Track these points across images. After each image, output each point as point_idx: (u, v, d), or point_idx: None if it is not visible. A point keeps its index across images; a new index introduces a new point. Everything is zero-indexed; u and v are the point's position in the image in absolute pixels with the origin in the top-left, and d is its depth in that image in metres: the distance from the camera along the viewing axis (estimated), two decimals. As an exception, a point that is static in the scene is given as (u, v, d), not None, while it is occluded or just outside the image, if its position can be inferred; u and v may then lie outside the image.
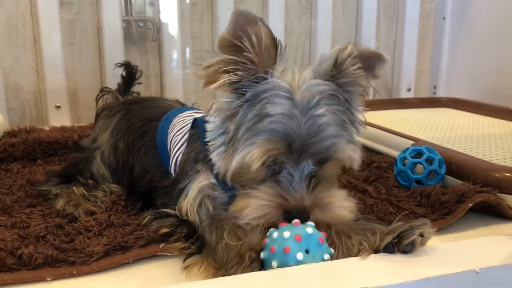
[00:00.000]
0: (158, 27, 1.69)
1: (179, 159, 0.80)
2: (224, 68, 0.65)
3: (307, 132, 0.61)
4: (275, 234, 0.59)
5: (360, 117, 0.71)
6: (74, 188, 0.88)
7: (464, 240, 0.65)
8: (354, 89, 0.68)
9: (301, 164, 0.63)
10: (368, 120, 1.30)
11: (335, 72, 0.66)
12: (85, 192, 0.88)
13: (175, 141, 0.82)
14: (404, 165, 0.93)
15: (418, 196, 0.86)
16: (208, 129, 0.69)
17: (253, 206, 0.62)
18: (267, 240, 0.59)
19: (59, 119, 1.56)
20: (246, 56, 0.63)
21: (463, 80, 1.99)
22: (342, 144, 0.63)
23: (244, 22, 0.62)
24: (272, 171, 0.64)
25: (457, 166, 0.92)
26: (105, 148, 0.95)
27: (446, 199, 0.82)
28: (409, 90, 2.01)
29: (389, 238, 0.60)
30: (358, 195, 0.87)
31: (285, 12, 1.80)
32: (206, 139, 0.69)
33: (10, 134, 1.28)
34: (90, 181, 0.91)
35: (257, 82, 0.64)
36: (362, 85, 0.68)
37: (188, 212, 0.70)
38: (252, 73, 0.64)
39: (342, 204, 0.64)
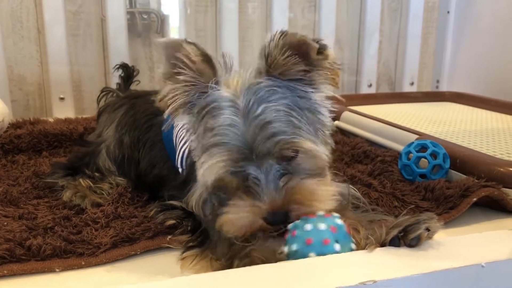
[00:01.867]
0: (162, 19, 1.68)
1: (185, 153, 0.80)
2: (175, 94, 0.65)
3: (251, 136, 0.60)
4: (308, 226, 0.58)
5: (320, 97, 0.67)
6: (81, 180, 0.89)
7: (468, 234, 0.66)
8: (293, 76, 0.64)
9: (263, 166, 0.61)
10: (371, 114, 1.32)
11: (268, 67, 0.64)
12: (91, 184, 0.88)
13: (181, 135, 0.82)
14: (408, 159, 0.94)
15: (423, 190, 0.86)
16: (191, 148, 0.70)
17: (230, 221, 0.61)
18: (297, 232, 0.59)
19: (63, 111, 1.56)
20: (185, 77, 0.64)
21: (466, 74, 1.99)
22: (289, 139, 0.61)
23: (173, 50, 0.63)
24: (241, 177, 0.63)
25: (461, 160, 0.92)
26: (110, 142, 0.95)
27: (450, 193, 0.82)
28: (412, 84, 2.00)
29: (395, 232, 0.60)
30: (362, 188, 0.87)
31: (289, 4, 1.79)
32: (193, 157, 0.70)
33: (15, 125, 1.29)
34: (96, 174, 0.92)
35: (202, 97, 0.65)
36: (298, 71, 0.64)
37: (194, 207, 0.71)
38: (196, 90, 0.65)
39: (317, 191, 0.63)
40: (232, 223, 0.61)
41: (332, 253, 0.57)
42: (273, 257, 0.60)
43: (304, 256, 0.58)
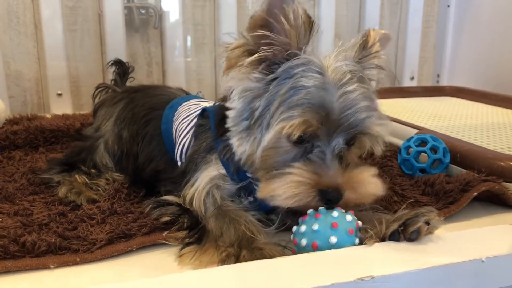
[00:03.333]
0: (159, 15, 1.67)
1: (185, 146, 0.79)
2: (251, 48, 0.64)
3: (342, 106, 0.61)
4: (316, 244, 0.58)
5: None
6: (77, 176, 0.88)
7: (469, 229, 0.65)
8: (375, 73, 0.69)
9: (332, 142, 0.62)
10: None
11: (362, 56, 0.67)
12: (87, 181, 0.88)
13: (181, 128, 0.81)
14: (408, 153, 0.93)
15: (422, 185, 0.85)
16: (229, 115, 0.67)
17: (286, 185, 0.60)
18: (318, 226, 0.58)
19: (61, 107, 1.55)
20: (284, 30, 0.62)
21: (466, 68, 1.97)
22: (375, 118, 0.63)
23: (280, 2, 0.61)
24: (304, 150, 0.63)
25: (461, 155, 0.91)
26: (109, 137, 0.94)
27: (450, 188, 0.81)
28: (412, 78, 1.99)
29: (394, 226, 0.59)
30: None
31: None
32: (228, 125, 0.67)
33: (11, 121, 1.28)
34: (92, 170, 0.91)
35: (287, 59, 0.63)
36: (384, 69, 0.70)
37: (194, 200, 0.70)
38: (286, 49, 0.63)
39: (371, 182, 0.63)
40: (288, 187, 0.60)
41: None
42: (281, 254, 0.60)
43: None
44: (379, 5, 1.91)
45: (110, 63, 1.20)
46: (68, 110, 1.54)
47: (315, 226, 0.58)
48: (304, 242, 0.59)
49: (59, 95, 1.57)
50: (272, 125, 0.61)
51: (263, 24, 0.63)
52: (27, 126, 1.18)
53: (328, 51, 0.67)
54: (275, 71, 0.63)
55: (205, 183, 0.71)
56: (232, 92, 0.67)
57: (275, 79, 0.63)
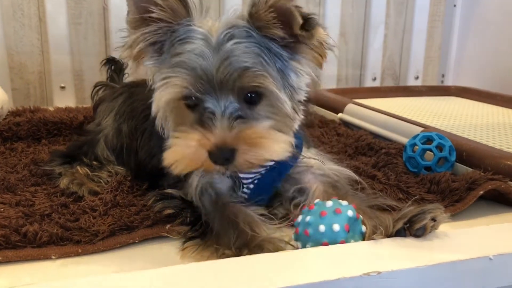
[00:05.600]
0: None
1: None
2: (145, 36, 0.65)
3: (218, 65, 0.61)
4: (322, 227, 0.57)
5: (295, 64, 0.67)
6: (78, 167, 0.87)
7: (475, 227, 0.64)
8: (270, 34, 0.64)
9: (221, 101, 0.62)
10: (376, 107, 1.30)
11: (250, 18, 0.64)
12: (89, 172, 0.87)
13: None
14: (413, 151, 0.92)
15: (428, 183, 0.84)
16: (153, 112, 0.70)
17: (176, 151, 0.62)
18: (310, 231, 0.58)
19: (64, 100, 1.55)
20: (158, 16, 0.64)
21: (472, 69, 1.96)
22: (250, 73, 0.62)
23: None
24: (198, 113, 0.63)
25: (467, 153, 0.91)
26: (109, 131, 0.94)
27: (456, 186, 0.80)
28: (417, 78, 1.99)
29: (400, 224, 0.59)
30: (366, 180, 0.85)
31: None
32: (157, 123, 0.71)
33: (14, 113, 1.27)
34: (94, 163, 0.90)
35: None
36: (275, 33, 0.64)
37: (193, 199, 0.70)
38: (168, 29, 0.65)
39: (271, 142, 0.62)
40: (177, 152, 0.62)
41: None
42: (284, 249, 0.59)
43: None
44: (384, 4, 1.90)
45: (103, 62, 1.20)
46: (71, 104, 1.53)
47: (308, 246, 0.58)
48: (299, 245, 0.59)
49: (62, 88, 1.57)
50: (156, 91, 0.65)
51: (140, 21, 0.65)
52: (30, 118, 1.17)
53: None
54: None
55: (196, 181, 0.71)
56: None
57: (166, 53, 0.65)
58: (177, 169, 0.62)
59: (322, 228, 0.57)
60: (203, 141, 0.60)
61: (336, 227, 0.57)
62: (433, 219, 0.58)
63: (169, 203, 0.71)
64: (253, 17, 0.63)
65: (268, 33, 0.63)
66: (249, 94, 0.63)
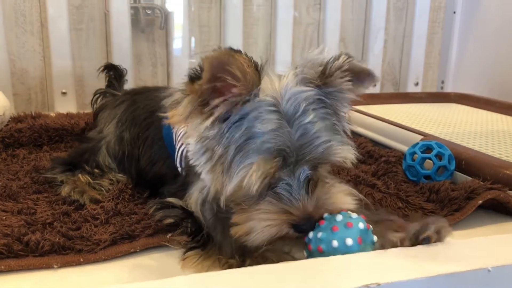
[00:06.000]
0: (166, 15, 1.67)
1: (184, 153, 0.78)
2: (213, 118, 0.61)
3: (300, 143, 0.59)
4: (335, 243, 0.57)
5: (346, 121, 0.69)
6: (80, 175, 0.88)
7: (473, 237, 0.64)
8: (339, 97, 0.65)
9: (296, 172, 0.61)
10: (375, 113, 1.31)
11: (321, 82, 0.63)
12: (90, 180, 0.87)
13: (180, 133, 0.81)
14: (413, 160, 0.93)
15: (427, 192, 0.85)
16: (190, 151, 0.66)
17: (258, 229, 0.59)
18: (323, 247, 0.58)
19: (65, 106, 1.55)
20: (232, 86, 0.59)
21: (471, 75, 1.97)
22: (336, 147, 0.62)
23: (221, 65, 0.58)
24: (269, 184, 0.61)
25: (466, 162, 0.91)
26: (111, 138, 0.94)
27: (455, 195, 0.81)
28: (416, 84, 1.99)
29: (407, 243, 0.60)
30: (366, 189, 0.86)
31: (294, 2, 1.78)
32: (191, 161, 0.66)
33: (16, 119, 1.28)
34: (96, 170, 0.90)
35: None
36: (348, 97, 0.66)
37: (193, 209, 0.70)
38: (236, 101, 0.60)
39: (345, 202, 0.62)
40: (260, 232, 0.59)
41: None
42: (286, 260, 0.59)
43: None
44: (385, 10, 1.91)
45: (101, 69, 1.19)
46: (72, 109, 1.54)
47: (319, 234, 0.58)
48: (311, 247, 0.59)
49: (64, 93, 1.57)
50: (232, 176, 0.60)
51: (211, 91, 0.60)
52: (31, 124, 1.18)
53: (285, 70, 0.65)
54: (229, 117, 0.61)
55: (198, 193, 0.71)
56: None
57: (232, 123, 0.61)
58: (250, 240, 0.60)
59: (335, 243, 0.57)
60: (287, 217, 0.59)
61: (349, 241, 0.57)
62: (437, 232, 0.59)
63: (169, 212, 0.71)
64: (327, 83, 0.63)
65: (338, 94, 0.64)
66: None
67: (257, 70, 0.59)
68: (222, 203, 0.64)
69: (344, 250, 0.57)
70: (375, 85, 1.92)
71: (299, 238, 0.61)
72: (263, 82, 0.61)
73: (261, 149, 0.59)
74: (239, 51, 0.58)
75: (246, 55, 0.58)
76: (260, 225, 0.59)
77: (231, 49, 0.58)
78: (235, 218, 0.62)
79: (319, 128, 0.60)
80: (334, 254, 0.57)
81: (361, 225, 0.59)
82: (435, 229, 0.59)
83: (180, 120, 0.62)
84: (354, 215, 0.60)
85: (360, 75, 0.65)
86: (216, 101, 0.60)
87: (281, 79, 0.63)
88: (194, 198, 0.70)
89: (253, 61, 0.59)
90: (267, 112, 0.60)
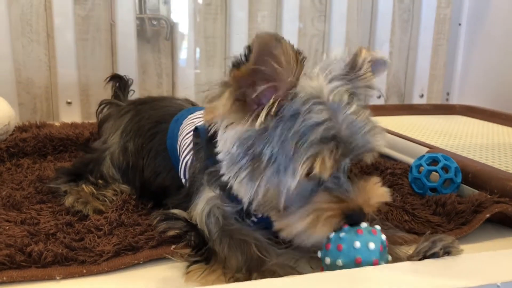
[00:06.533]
0: (171, 26, 1.68)
1: (188, 164, 0.78)
2: (267, 109, 0.59)
3: (347, 133, 0.60)
4: (357, 244, 0.57)
5: None
6: (84, 186, 0.88)
7: (481, 251, 0.63)
8: (365, 92, 0.68)
9: (342, 164, 0.61)
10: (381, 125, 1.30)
11: (352, 76, 0.65)
12: (94, 191, 0.87)
13: (184, 144, 0.80)
14: (419, 172, 0.92)
15: (434, 205, 0.84)
16: (221, 159, 0.64)
17: (312, 217, 0.59)
18: (344, 247, 0.57)
19: (70, 115, 1.56)
20: (275, 72, 0.58)
21: (477, 87, 1.96)
22: (378, 137, 0.63)
23: (268, 48, 0.56)
24: (312, 183, 0.61)
25: (473, 175, 0.90)
26: (115, 149, 0.93)
27: (462, 209, 0.80)
28: (421, 96, 1.99)
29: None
30: (372, 201, 0.85)
31: (299, 14, 1.79)
32: (221, 173, 0.64)
33: (21, 129, 1.28)
34: (100, 181, 0.90)
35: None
36: (374, 89, 0.68)
37: (198, 222, 0.69)
38: (285, 93, 0.59)
39: (382, 193, 0.65)
40: (319, 225, 0.59)
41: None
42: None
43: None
44: (390, 22, 1.91)
45: (107, 79, 1.19)
46: (77, 119, 1.54)
47: (340, 262, 0.57)
48: (328, 260, 0.59)
49: (69, 103, 1.58)
50: (297, 169, 0.58)
51: (250, 73, 0.57)
52: (36, 134, 1.18)
53: (309, 68, 0.64)
54: (277, 113, 0.59)
55: (203, 205, 0.70)
56: (215, 129, 0.64)
57: (281, 120, 0.59)
58: (313, 237, 0.60)
59: (357, 244, 0.57)
60: (342, 207, 0.59)
61: (372, 245, 0.57)
62: (445, 249, 0.58)
63: (173, 224, 0.71)
64: (356, 77, 0.65)
65: (365, 89, 0.67)
66: None
67: (298, 58, 0.58)
68: (256, 210, 0.63)
69: (366, 252, 0.57)
70: (379, 97, 1.92)
71: None
72: (307, 81, 0.62)
73: (324, 137, 0.58)
74: (283, 38, 0.57)
75: (289, 42, 0.57)
76: (313, 215, 0.59)
77: (276, 34, 0.56)
78: (280, 224, 0.62)
79: (363, 119, 0.62)
80: (354, 255, 0.57)
81: (384, 237, 0.60)
82: (443, 246, 0.58)
83: (220, 114, 0.60)
84: (378, 227, 0.61)
85: (376, 64, 0.68)
86: (263, 87, 0.58)
87: (313, 78, 0.63)
88: (198, 210, 0.70)
89: (296, 49, 0.58)
90: (317, 103, 0.59)
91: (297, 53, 0.58)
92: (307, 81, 0.62)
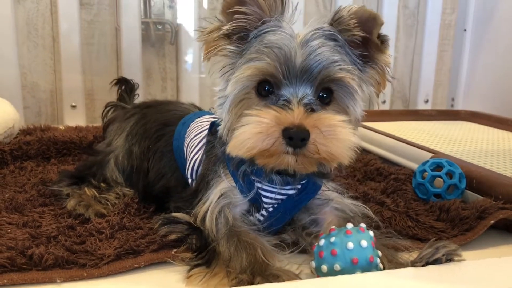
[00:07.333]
0: (176, 30, 1.68)
1: (196, 164, 0.78)
2: (227, 28, 0.66)
3: (306, 55, 0.62)
4: (350, 244, 0.57)
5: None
6: (86, 189, 0.87)
7: (485, 258, 0.63)
8: (348, 37, 0.66)
9: (299, 91, 0.62)
10: (384, 130, 1.30)
11: (333, 22, 0.66)
12: (96, 194, 0.87)
13: (192, 145, 0.81)
14: (423, 178, 0.91)
15: (437, 211, 0.84)
16: (216, 97, 0.69)
17: (248, 128, 0.60)
18: (338, 250, 0.58)
19: (74, 119, 1.56)
20: (256, 3, 0.65)
21: (482, 93, 1.95)
22: (337, 67, 0.63)
23: None
24: (271, 101, 0.63)
25: (478, 181, 0.90)
26: (119, 152, 0.94)
27: (466, 215, 0.79)
28: (426, 101, 1.98)
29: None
30: (375, 207, 0.85)
31: (304, 20, 1.78)
32: (216, 107, 0.70)
33: (25, 132, 1.28)
34: (102, 184, 0.90)
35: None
36: (356, 35, 0.66)
37: (206, 218, 0.68)
38: (258, 19, 0.66)
39: (345, 134, 0.62)
40: (248, 131, 0.60)
41: (376, 270, 0.58)
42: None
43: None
44: (394, 28, 1.91)
45: (113, 82, 1.20)
46: (82, 123, 1.54)
47: (338, 266, 0.57)
48: (325, 268, 0.58)
49: (73, 107, 1.58)
50: (234, 75, 0.64)
51: (236, 4, 0.65)
52: (40, 137, 1.18)
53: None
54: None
55: (217, 198, 0.69)
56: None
57: (249, 43, 0.66)
58: (243, 149, 0.61)
59: (350, 245, 0.57)
60: (279, 118, 0.59)
61: (364, 243, 0.57)
62: (448, 256, 0.58)
63: (174, 228, 0.70)
64: (336, 21, 0.66)
65: (349, 36, 0.66)
66: (321, 93, 0.64)
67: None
68: (229, 124, 0.66)
69: (360, 251, 0.57)
70: (384, 102, 1.92)
71: (286, 155, 0.60)
72: (283, 23, 0.66)
73: (262, 53, 0.63)
74: None
75: None
76: (252, 125, 0.60)
77: None
78: (231, 142, 0.64)
79: (324, 50, 0.63)
80: (350, 256, 0.57)
81: (371, 233, 0.60)
82: (446, 253, 0.58)
83: (208, 40, 0.68)
84: (363, 225, 0.61)
85: (368, 23, 0.66)
86: (241, 9, 0.65)
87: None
88: (207, 206, 0.69)
89: None
90: (282, 31, 0.64)
91: None
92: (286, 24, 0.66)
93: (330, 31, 0.65)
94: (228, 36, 0.67)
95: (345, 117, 0.64)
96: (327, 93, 0.65)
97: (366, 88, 0.69)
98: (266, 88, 0.64)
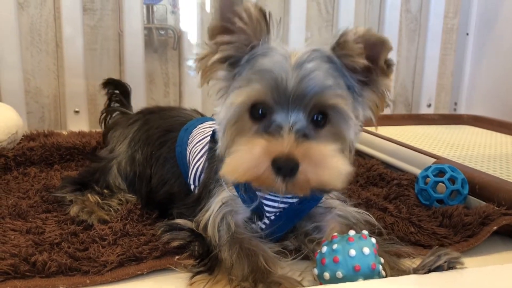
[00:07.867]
0: (179, 36, 1.69)
1: (199, 170, 0.78)
2: (219, 55, 0.66)
3: (299, 80, 0.61)
4: (352, 252, 0.57)
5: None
6: (89, 195, 0.88)
7: (488, 265, 0.62)
8: (350, 62, 0.64)
9: (291, 117, 0.61)
10: (386, 135, 1.30)
11: (336, 46, 0.65)
12: (99, 200, 0.87)
13: (195, 152, 0.81)
14: (425, 183, 0.91)
15: (440, 216, 0.83)
16: (217, 122, 0.69)
17: (239, 159, 0.60)
18: (340, 258, 0.57)
19: (77, 124, 1.57)
20: (240, 28, 0.64)
21: (484, 97, 1.95)
22: (330, 92, 0.62)
23: (230, 4, 0.63)
24: (263, 126, 0.63)
25: (480, 186, 0.89)
26: (122, 158, 0.94)
27: (469, 221, 0.79)
28: (429, 106, 1.98)
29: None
30: (378, 213, 0.85)
31: (306, 23, 1.79)
32: (218, 130, 0.69)
33: (28, 137, 1.29)
34: (105, 191, 0.90)
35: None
36: (358, 62, 0.64)
37: (208, 226, 0.68)
38: (246, 44, 0.65)
39: (337, 163, 0.60)
40: (238, 158, 0.60)
41: (378, 277, 0.57)
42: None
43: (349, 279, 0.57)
44: (397, 32, 1.91)
45: (103, 83, 1.19)
46: (85, 128, 1.55)
47: (340, 273, 0.57)
48: (327, 275, 0.58)
49: (76, 112, 1.59)
50: (227, 100, 0.64)
51: (221, 30, 0.65)
52: (43, 143, 1.18)
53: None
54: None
55: (218, 207, 0.69)
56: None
57: (242, 67, 0.66)
58: (235, 175, 0.60)
59: (352, 252, 0.57)
60: (268, 148, 0.58)
61: (366, 250, 0.57)
62: (450, 263, 0.58)
63: (177, 235, 0.71)
64: (340, 45, 0.64)
65: (350, 61, 0.64)
66: (316, 116, 0.63)
67: (265, 18, 0.64)
68: (225, 146, 0.66)
69: (362, 258, 0.57)
70: (388, 106, 1.92)
71: (273, 188, 0.60)
72: (274, 44, 0.65)
73: (254, 78, 0.62)
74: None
75: (255, 3, 0.64)
76: (242, 153, 0.60)
77: None
78: (225, 163, 0.62)
79: (318, 74, 0.61)
80: (352, 263, 0.57)
81: (373, 240, 0.60)
82: (448, 260, 0.58)
83: (202, 66, 0.68)
84: (365, 232, 0.61)
85: (375, 47, 0.63)
86: (224, 38, 0.65)
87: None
88: (210, 214, 0.69)
89: (262, 9, 0.64)
90: (275, 54, 0.63)
91: (261, 11, 0.64)
92: (279, 45, 0.65)
93: (328, 54, 0.64)
94: (221, 61, 0.67)
95: (338, 142, 0.63)
96: (322, 116, 0.64)
97: (363, 112, 0.67)
98: (260, 112, 0.63)
